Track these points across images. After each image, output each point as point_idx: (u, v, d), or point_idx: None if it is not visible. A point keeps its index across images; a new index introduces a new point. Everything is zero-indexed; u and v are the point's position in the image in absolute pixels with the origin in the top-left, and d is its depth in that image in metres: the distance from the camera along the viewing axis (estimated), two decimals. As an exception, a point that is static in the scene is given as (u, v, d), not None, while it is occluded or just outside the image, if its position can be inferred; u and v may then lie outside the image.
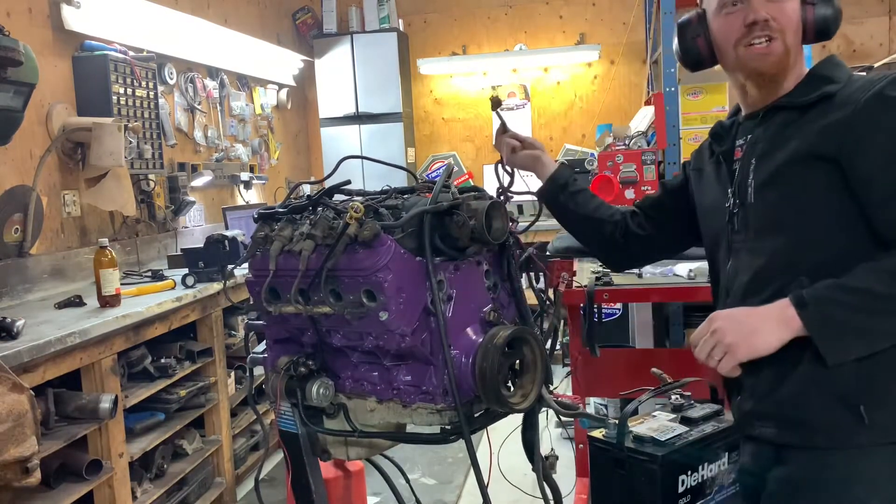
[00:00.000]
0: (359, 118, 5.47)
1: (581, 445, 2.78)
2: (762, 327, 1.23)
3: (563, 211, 1.73)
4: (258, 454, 3.58)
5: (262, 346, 1.83)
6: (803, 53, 1.40)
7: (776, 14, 1.32)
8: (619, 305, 4.18)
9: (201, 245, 3.18)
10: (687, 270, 2.27)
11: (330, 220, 1.50)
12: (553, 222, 1.80)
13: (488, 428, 1.59)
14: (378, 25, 5.45)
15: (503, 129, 1.76)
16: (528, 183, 1.73)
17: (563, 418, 1.71)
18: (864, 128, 1.23)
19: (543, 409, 1.65)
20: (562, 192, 1.71)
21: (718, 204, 1.47)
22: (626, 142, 3.73)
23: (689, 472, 1.74)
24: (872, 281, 1.18)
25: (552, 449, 3.27)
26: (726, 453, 1.79)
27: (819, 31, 1.37)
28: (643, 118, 4.12)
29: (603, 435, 1.83)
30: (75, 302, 2.60)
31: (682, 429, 1.80)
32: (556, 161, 1.75)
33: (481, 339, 1.49)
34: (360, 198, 1.61)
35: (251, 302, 1.72)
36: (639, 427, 1.81)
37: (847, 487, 1.25)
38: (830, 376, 1.24)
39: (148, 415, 2.74)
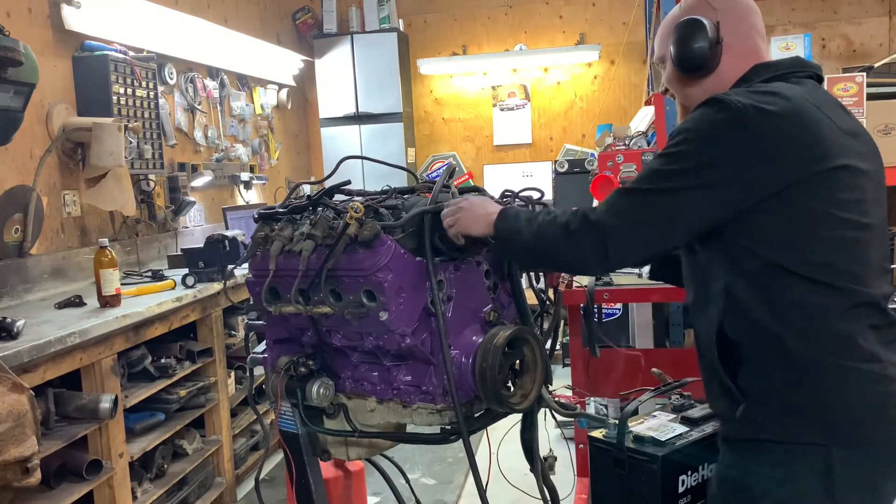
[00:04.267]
0: (359, 118, 5.46)
1: (581, 445, 2.78)
2: (482, 220, 1.45)
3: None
4: (258, 454, 3.58)
5: (262, 346, 1.83)
6: (699, 87, 1.44)
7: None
8: (619, 305, 4.19)
9: (201, 245, 3.18)
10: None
11: (330, 220, 1.50)
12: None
13: (488, 428, 1.59)
14: (378, 25, 5.44)
15: None
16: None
17: (561, 418, 1.70)
18: None
19: (541, 409, 1.66)
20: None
21: None
22: (626, 142, 3.73)
23: (690, 472, 1.74)
24: (537, 223, 1.40)
25: (550, 449, 3.27)
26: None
27: (687, 69, 1.42)
28: (643, 118, 4.12)
29: (603, 435, 1.83)
30: (75, 302, 2.60)
31: (682, 429, 1.80)
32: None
33: (481, 339, 1.49)
34: (360, 198, 1.61)
35: (251, 302, 1.72)
36: (639, 427, 1.81)
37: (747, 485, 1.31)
38: (718, 372, 1.33)
39: (148, 415, 2.74)
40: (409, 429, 1.72)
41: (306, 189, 3.41)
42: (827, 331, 1.25)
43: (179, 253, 3.50)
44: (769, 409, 1.28)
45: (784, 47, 3.05)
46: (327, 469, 2.00)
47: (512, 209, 1.47)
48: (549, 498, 1.68)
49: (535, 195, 1.71)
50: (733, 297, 1.30)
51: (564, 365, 4.73)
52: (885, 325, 1.30)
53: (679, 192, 1.27)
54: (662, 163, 1.30)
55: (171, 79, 3.92)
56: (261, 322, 1.78)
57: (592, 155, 5.12)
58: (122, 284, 2.70)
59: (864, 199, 1.31)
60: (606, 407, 3.65)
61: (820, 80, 1.43)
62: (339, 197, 1.64)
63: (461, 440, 1.45)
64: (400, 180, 4.72)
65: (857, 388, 1.25)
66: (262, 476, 3.44)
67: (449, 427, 1.50)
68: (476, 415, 1.55)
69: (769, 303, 1.27)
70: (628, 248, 1.31)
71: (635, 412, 1.84)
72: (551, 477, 1.76)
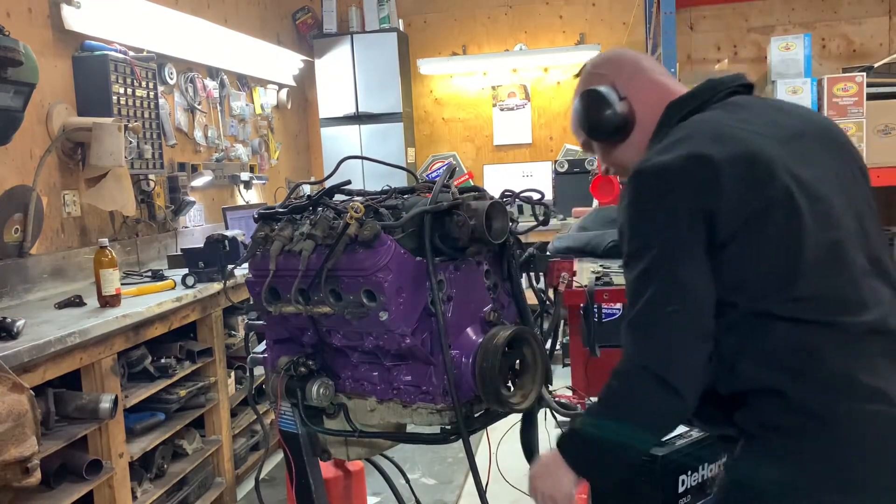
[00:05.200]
0: (359, 118, 5.46)
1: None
2: (558, 475, 1.33)
3: None
4: (258, 454, 3.58)
5: (262, 346, 1.83)
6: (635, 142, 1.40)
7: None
8: (619, 305, 4.18)
9: (201, 245, 3.18)
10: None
11: (330, 220, 1.50)
12: (554, 222, 1.80)
13: (488, 428, 1.59)
14: (378, 25, 5.44)
15: None
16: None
17: (561, 418, 1.70)
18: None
19: (541, 409, 1.66)
20: None
21: None
22: (626, 142, 3.72)
23: (690, 472, 1.74)
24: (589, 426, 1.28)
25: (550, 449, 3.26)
26: (726, 453, 1.79)
27: (607, 135, 1.40)
28: (643, 118, 4.10)
29: (603, 435, 1.83)
30: (75, 302, 2.60)
31: (682, 429, 1.80)
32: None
33: (481, 340, 1.49)
34: (360, 198, 1.61)
35: (251, 302, 1.72)
36: (639, 427, 1.81)
37: None
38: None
39: (148, 415, 2.74)
40: (409, 429, 1.72)
41: (306, 189, 3.41)
42: (820, 372, 1.16)
43: (179, 253, 3.50)
44: (766, 452, 1.20)
45: (784, 47, 3.05)
46: (327, 469, 2.00)
47: (562, 444, 1.33)
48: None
49: (535, 196, 1.71)
50: (718, 351, 1.21)
51: (564, 365, 4.72)
52: (890, 349, 1.18)
53: (670, 284, 1.19)
54: (632, 271, 1.23)
55: (171, 79, 3.92)
56: (261, 322, 1.78)
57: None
58: (122, 284, 2.70)
59: (826, 210, 1.20)
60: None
61: (749, 88, 1.38)
62: (339, 197, 1.64)
63: (461, 440, 1.45)
64: (400, 180, 4.72)
65: (857, 431, 1.15)
66: (262, 476, 3.44)
67: (449, 427, 1.50)
68: (476, 415, 1.55)
69: (754, 351, 1.19)
70: (678, 361, 1.18)
71: (635, 412, 1.84)
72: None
